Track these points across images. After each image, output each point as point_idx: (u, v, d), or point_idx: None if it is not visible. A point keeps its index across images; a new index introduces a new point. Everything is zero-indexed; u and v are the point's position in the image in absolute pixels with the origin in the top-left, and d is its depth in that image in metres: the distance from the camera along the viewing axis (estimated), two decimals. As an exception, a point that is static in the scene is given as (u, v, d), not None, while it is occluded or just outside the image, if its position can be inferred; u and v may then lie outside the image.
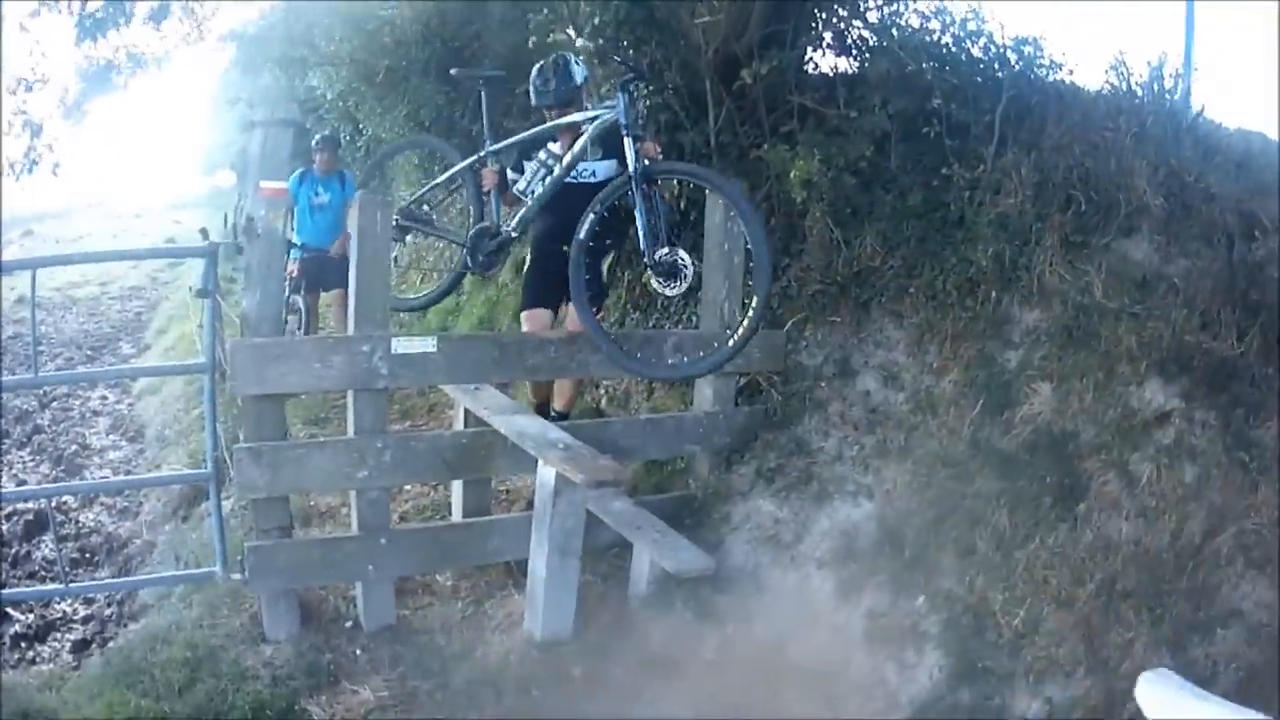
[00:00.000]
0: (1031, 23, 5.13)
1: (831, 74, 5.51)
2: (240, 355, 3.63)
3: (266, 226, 3.67)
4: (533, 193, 4.41)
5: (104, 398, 8.61)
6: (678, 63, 5.16)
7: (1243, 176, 4.41)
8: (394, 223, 4.17)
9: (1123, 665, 3.20)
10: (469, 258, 4.65)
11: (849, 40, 5.51)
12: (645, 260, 4.09)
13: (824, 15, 5.47)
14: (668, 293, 4.15)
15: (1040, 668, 3.32)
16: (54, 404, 8.36)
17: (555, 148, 4.37)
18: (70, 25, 11.33)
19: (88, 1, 11.16)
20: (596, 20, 5.44)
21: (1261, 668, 3.13)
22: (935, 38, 5.15)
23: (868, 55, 5.31)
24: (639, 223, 4.05)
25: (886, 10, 5.40)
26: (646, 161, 4.09)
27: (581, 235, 4.15)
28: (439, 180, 5.04)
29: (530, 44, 6.87)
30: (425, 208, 5.12)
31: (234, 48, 14.65)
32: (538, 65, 4.52)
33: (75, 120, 12.58)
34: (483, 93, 4.82)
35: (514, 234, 4.56)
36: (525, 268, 4.88)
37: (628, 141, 4.06)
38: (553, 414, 4.68)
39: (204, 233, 9.17)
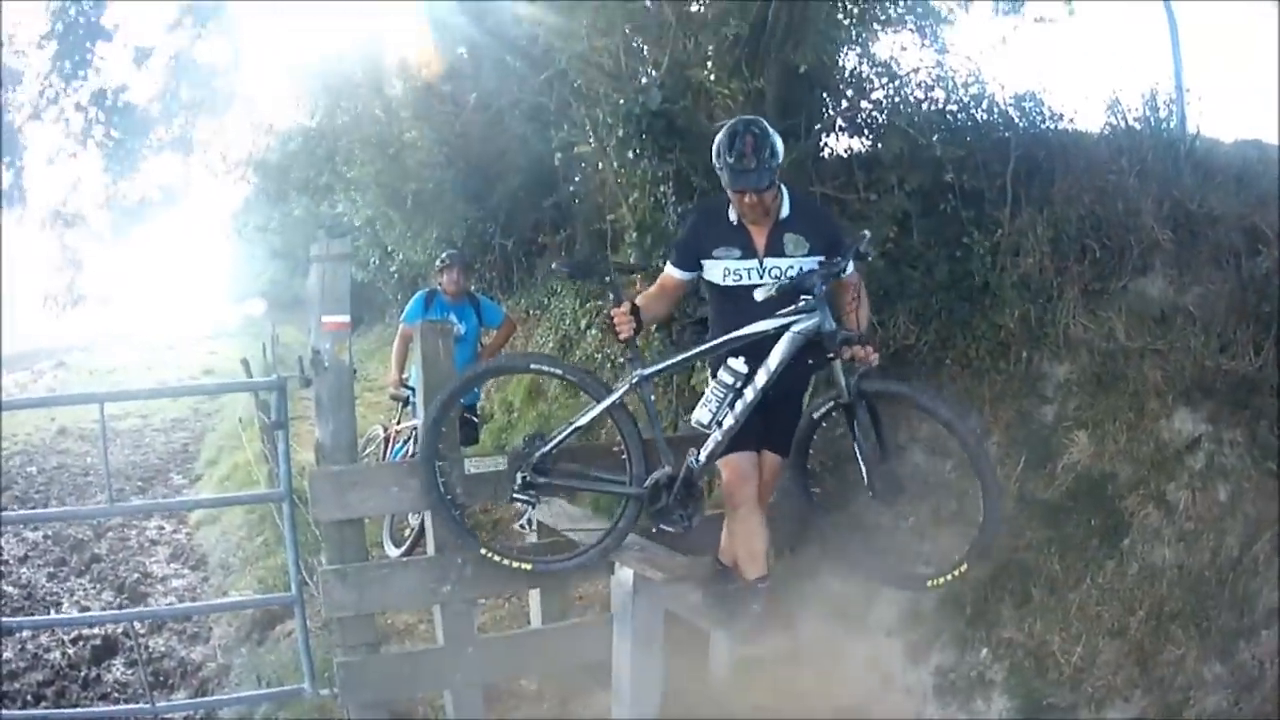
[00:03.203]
0: (1028, 77, 5.86)
1: (847, 156, 6.33)
2: (320, 483, 4.23)
3: (333, 360, 4.31)
4: (719, 423, 3.89)
5: (160, 527, 9.44)
6: (702, 167, 5.70)
7: (1242, 191, 5.01)
8: (516, 484, 4.15)
9: (1176, 680, 3.81)
10: (654, 517, 4.11)
11: (859, 120, 6.33)
12: (868, 488, 3.98)
13: (833, 101, 6.32)
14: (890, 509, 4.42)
15: (1100, 696, 3.94)
16: (110, 533, 9.13)
17: (738, 364, 3.85)
18: (99, 159, 12.81)
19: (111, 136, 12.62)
20: (620, 133, 6.28)
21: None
22: (940, 107, 5.95)
23: (880, 135, 6.13)
24: (859, 451, 3.93)
25: (891, 86, 6.22)
26: (858, 378, 3.85)
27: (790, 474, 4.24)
28: (577, 424, 4.18)
29: (556, 160, 7.87)
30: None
31: (257, 176, 16.16)
32: (727, 132, 3.83)
33: (107, 252, 14.33)
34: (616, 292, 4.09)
35: (705, 470, 4.06)
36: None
37: (837, 365, 3.82)
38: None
39: (245, 364, 10.24)
